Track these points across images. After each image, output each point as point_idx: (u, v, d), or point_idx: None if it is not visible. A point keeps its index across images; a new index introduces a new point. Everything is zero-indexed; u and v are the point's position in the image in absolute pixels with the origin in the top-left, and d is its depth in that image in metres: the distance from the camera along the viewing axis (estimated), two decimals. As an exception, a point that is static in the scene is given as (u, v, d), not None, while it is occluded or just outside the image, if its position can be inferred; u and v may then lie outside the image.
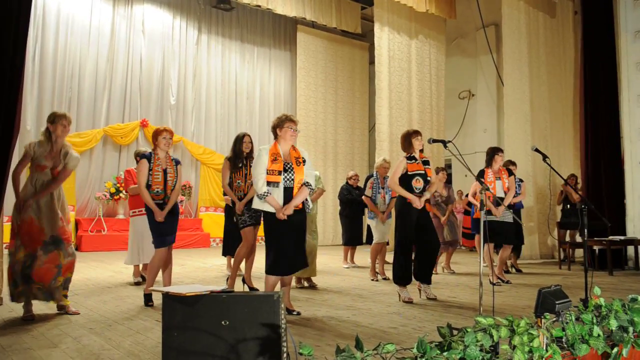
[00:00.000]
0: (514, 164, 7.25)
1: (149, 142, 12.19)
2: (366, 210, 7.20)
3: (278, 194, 3.98)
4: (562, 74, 10.61)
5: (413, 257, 5.10)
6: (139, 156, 5.04)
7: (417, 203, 4.87)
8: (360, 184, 7.83)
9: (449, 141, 4.24)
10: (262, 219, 4.36)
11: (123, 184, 10.17)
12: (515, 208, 7.14)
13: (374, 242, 6.88)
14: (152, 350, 3.12)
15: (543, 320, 2.82)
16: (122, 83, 12.22)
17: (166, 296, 2.37)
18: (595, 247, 7.72)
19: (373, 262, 6.81)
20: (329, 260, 8.48)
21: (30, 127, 10.79)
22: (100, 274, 6.98)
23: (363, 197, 6.97)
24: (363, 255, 8.66)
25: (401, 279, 5.00)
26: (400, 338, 3.47)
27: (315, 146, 13.99)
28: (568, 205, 8.88)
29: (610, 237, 7.36)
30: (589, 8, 8.79)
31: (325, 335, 3.56)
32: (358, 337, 2.18)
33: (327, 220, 13.49)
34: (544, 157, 4.69)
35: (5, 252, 4.61)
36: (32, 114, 10.88)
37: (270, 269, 4.03)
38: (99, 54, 11.88)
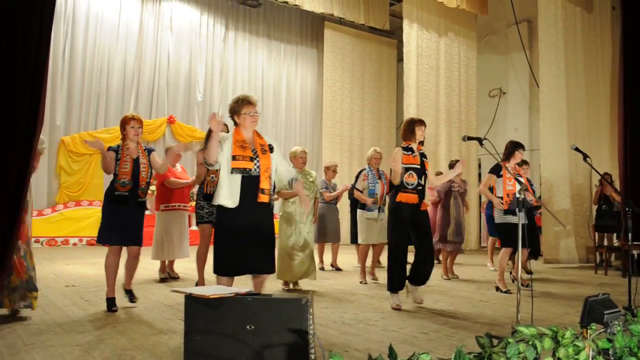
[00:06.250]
0: (526, 163, 6.89)
1: (176, 138, 12.22)
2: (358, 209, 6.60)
3: (236, 182, 3.48)
4: (599, 71, 10.24)
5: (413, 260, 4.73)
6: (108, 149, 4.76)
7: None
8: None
9: (484, 138, 4.05)
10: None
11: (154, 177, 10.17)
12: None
13: (360, 243, 6.56)
14: (175, 352, 3.02)
15: (589, 331, 2.63)
16: (149, 79, 12.28)
17: (189, 298, 2.26)
18: (635, 252, 7.38)
19: (362, 264, 6.42)
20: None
21: (60, 122, 10.95)
22: (126, 270, 6.94)
23: (354, 191, 6.47)
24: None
25: (395, 286, 4.66)
26: (433, 345, 3.30)
27: (341, 144, 13.86)
28: (604, 206, 8.53)
29: (651, 242, 7.02)
30: (628, 3, 8.44)
31: (353, 340, 3.41)
32: (391, 347, 2.04)
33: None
34: (585, 156, 4.47)
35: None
36: (62, 109, 11.02)
37: (220, 269, 3.52)
38: (127, 50, 11.96)
